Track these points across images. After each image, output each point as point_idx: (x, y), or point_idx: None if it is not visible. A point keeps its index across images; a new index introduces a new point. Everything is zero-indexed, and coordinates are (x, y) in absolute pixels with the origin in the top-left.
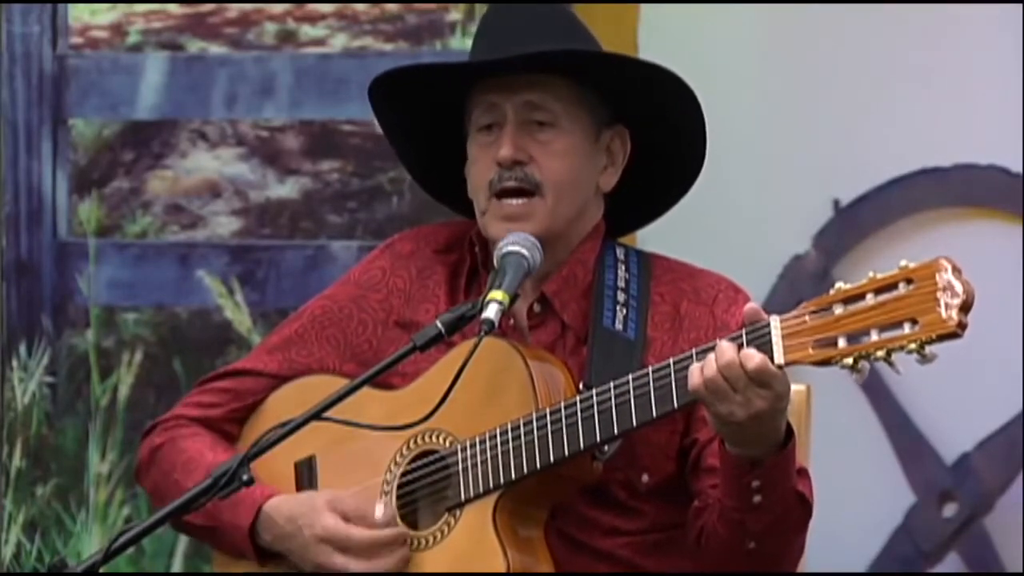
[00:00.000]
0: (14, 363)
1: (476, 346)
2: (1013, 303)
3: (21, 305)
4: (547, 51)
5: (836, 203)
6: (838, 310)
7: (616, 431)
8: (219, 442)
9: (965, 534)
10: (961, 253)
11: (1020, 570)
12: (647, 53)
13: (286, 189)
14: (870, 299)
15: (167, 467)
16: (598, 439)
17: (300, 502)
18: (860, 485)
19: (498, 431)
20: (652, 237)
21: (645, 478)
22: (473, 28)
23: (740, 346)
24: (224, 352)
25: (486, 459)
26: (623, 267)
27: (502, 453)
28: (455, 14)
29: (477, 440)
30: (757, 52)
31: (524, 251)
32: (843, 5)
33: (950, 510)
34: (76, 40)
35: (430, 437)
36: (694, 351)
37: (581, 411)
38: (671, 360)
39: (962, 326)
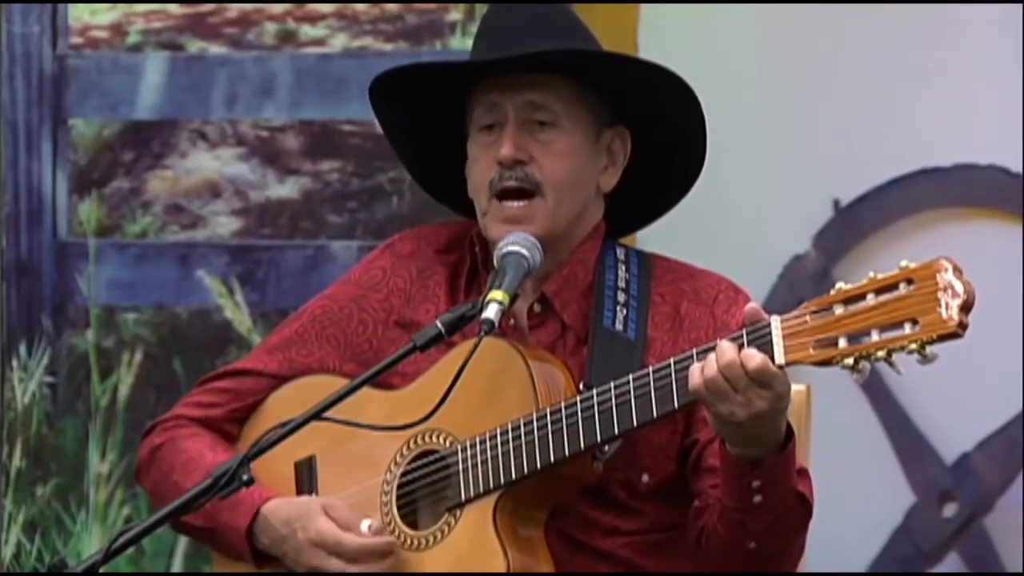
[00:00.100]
0: (14, 363)
1: (476, 346)
2: (1013, 303)
3: (21, 305)
4: (548, 50)
5: (836, 203)
6: (839, 310)
7: (616, 431)
8: (219, 442)
9: (965, 534)
10: (961, 253)
11: (1020, 570)
12: (647, 53)
13: (286, 189)
14: (871, 299)
15: (167, 467)
16: (598, 439)
17: (297, 505)
18: (860, 485)
19: (498, 431)
20: (652, 237)
21: (645, 478)
22: (473, 28)
23: (741, 346)
24: (224, 352)
25: (486, 459)
26: (623, 267)
27: (502, 453)
28: (455, 14)
29: (477, 440)
30: (757, 52)
31: (524, 251)
32: (843, 5)
33: (950, 510)
34: (76, 40)
35: (430, 437)
36: (694, 351)
37: (581, 411)
38: (671, 360)
39: (963, 326)
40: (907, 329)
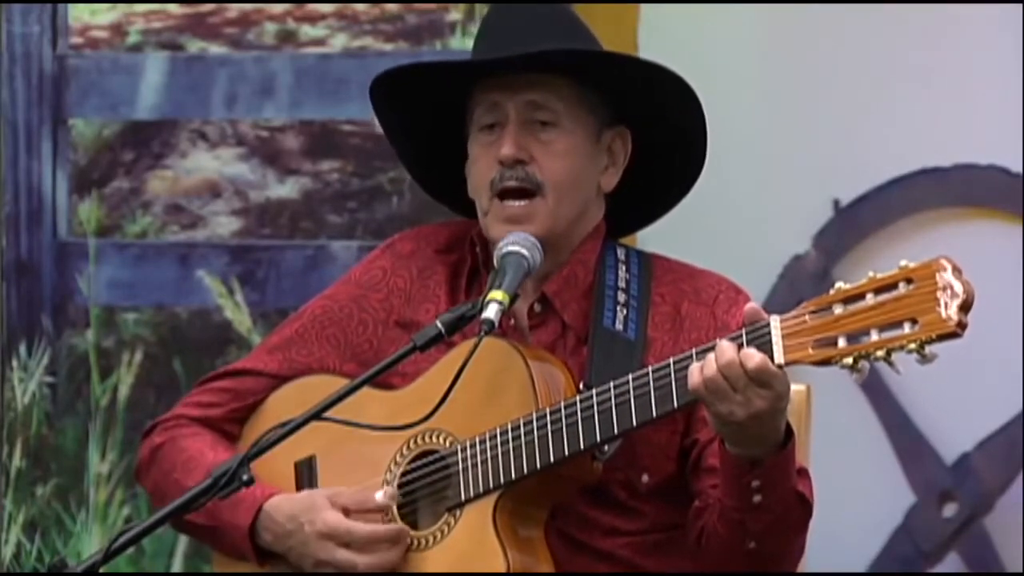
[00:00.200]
0: (14, 363)
1: (476, 346)
2: (1013, 303)
3: (21, 305)
4: (550, 50)
5: (836, 203)
6: (838, 310)
7: (616, 431)
8: (219, 441)
9: (965, 534)
10: (961, 253)
11: (1020, 570)
12: (647, 53)
13: (286, 189)
14: (870, 299)
15: (167, 466)
16: (598, 439)
17: (300, 500)
18: (860, 485)
19: (498, 431)
20: (652, 237)
21: (645, 478)
22: (473, 28)
23: (740, 346)
24: (224, 352)
25: (486, 459)
26: (624, 267)
27: (502, 453)
28: (455, 14)
29: (477, 440)
30: (757, 52)
31: (524, 251)
32: (843, 5)
33: (950, 510)
34: (76, 40)
35: (430, 437)
36: (694, 351)
37: (581, 411)
38: (671, 360)
39: (962, 326)
40: (906, 329)
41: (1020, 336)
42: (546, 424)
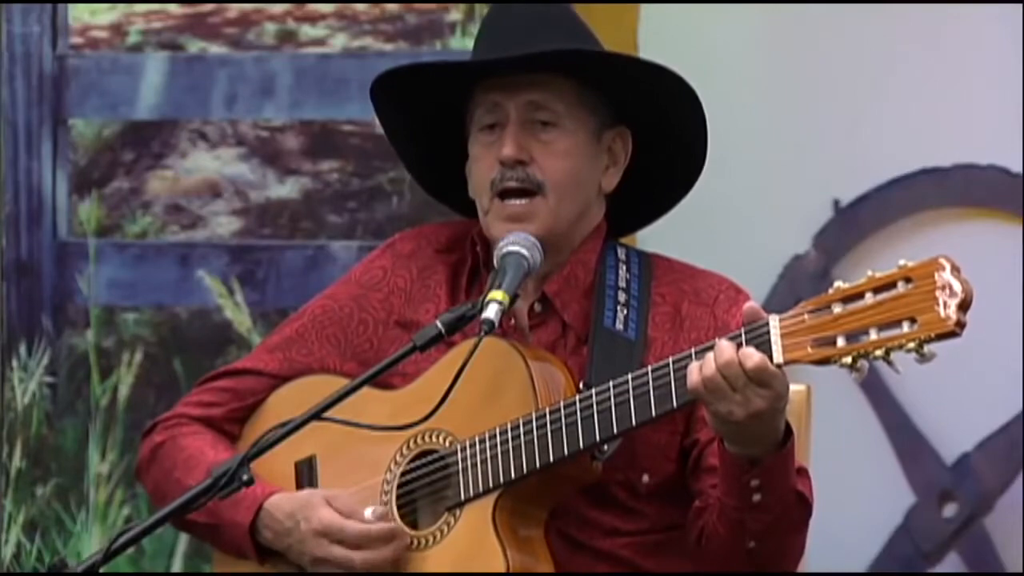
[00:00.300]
0: (14, 363)
1: (476, 346)
2: (1013, 303)
3: (21, 305)
4: (551, 51)
5: (836, 203)
6: (837, 309)
7: (616, 431)
8: (220, 440)
9: (965, 534)
10: (961, 253)
11: (1020, 570)
12: (647, 53)
13: (286, 189)
14: (869, 298)
15: (168, 465)
16: (598, 439)
17: (299, 498)
18: (860, 485)
19: (498, 431)
20: (652, 237)
21: (645, 479)
22: (473, 28)
23: (739, 345)
24: (224, 352)
25: (486, 459)
26: (624, 267)
27: (502, 453)
28: (455, 14)
29: (477, 440)
30: (757, 52)
31: (524, 251)
32: (843, 5)
33: (950, 510)
34: (76, 40)
35: (430, 437)
36: (693, 350)
37: (581, 411)
38: (670, 359)
39: (961, 325)
40: (905, 328)
41: (1020, 336)
42: (546, 424)
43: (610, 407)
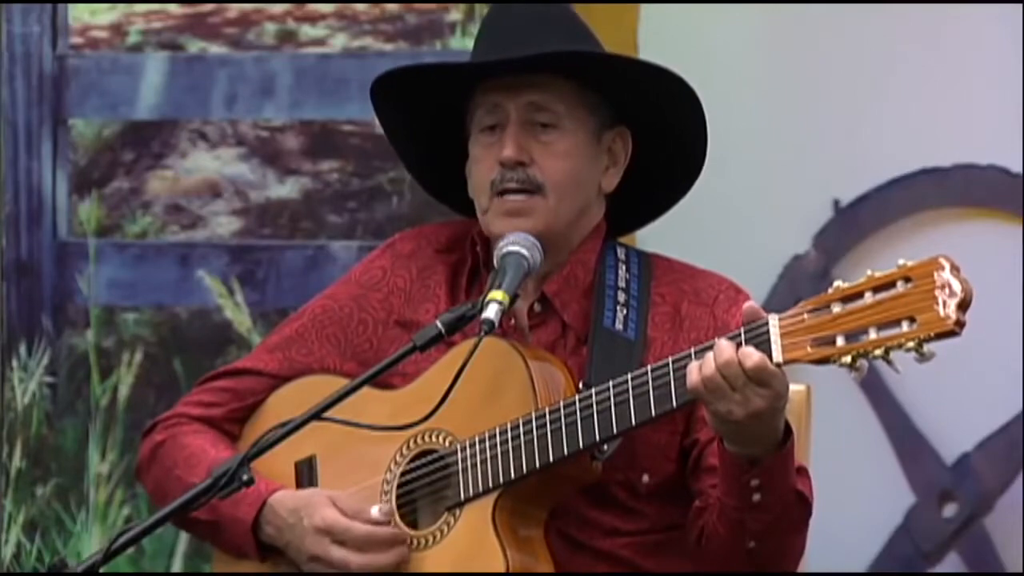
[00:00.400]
0: (14, 363)
1: (476, 346)
2: (1013, 303)
3: (21, 305)
4: (552, 52)
5: (836, 203)
6: (836, 308)
7: (615, 431)
8: (221, 439)
9: (965, 534)
10: (961, 253)
11: (1020, 570)
12: (647, 53)
13: (286, 189)
14: (868, 297)
15: (169, 463)
16: (597, 439)
17: (303, 496)
18: (860, 485)
19: (498, 431)
20: (652, 237)
21: (645, 479)
22: (473, 28)
23: (738, 345)
24: (224, 352)
25: (486, 459)
26: (624, 267)
27: (502, 453)
28: (455, 14)
29: (477, 440)
30: (757, 52)
31: (524, 251)
32: (843, 5)
33: (950, 510)
34: (76, 40)
35: (430, 437)
36: (693, 350)
37: (580, 411)
38: (670, 359)
39: (960, 324)
40: (904, 327)
41: (1020, 336)
42: (545, 424)
43: (610, 407)
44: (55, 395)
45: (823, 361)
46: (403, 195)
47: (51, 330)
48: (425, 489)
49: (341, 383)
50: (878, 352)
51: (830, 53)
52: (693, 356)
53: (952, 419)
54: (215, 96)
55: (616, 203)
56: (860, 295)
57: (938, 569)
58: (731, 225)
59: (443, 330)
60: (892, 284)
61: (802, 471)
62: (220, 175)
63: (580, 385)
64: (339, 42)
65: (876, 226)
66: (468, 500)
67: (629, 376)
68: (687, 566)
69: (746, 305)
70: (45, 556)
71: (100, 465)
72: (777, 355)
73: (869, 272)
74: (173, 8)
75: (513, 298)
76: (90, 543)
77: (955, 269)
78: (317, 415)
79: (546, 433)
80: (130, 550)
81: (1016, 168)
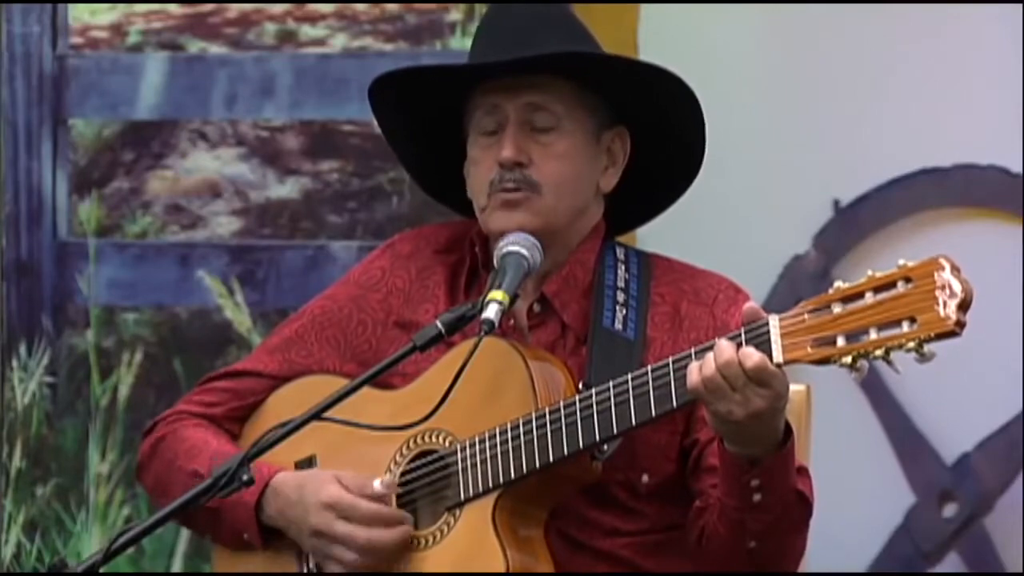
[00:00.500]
0: (14, 363)
1: (476, 346)
2: (1013, 303)
3: (21, 305)
4: (551, 53)
5: (836, 203)
6: (837, 309)
7: (616, 431)
8: (221, 433)
9: (965, 534)
10: (961, 253)
11: (1020, 570)
12: (647, 53)
13: (286, 189)
14: (869, 298)
15: (170, 455)
16: (598, 439)
17: (307, 474)
18: (860, 485)
19: (498, 431)
20: (651, 237)
21: (645, 479)
22: (473, 28)
23: (739, 345)
24: (224, 352)
25: (486, 459)
26: (623, 267)
27: (502, 453)
28: (455, 14)
29: (477, 440)
30: (757, 52)
31: (524, 251)
32: (843, 5)
33: (950, 510)
34: (76, 40)
35: (430, 437)
36: (693, 350)
37: (580, 411)
38: (670, 359)
39: (960, 324)
40: (905, 327)
41: (1020, 336)
42: (546, 424)
43: (610, 407)
44: (55, 395)
45: (823, 361)
46: (403, 195)
47: (51, 330)
48: (425, 489)
49: (341, 383)
50: (878, 352)
51: (830, 53)
52: (693, 356)
53: (952, 419)
54: (215, 96)
55: (615, 203)
56: (860, 295)
57: (938, 569)
58: (731, 225)
59: (443, 330)
60: (892, 284)
61: (802, 471)
62: (220, 175)
63: (580, 385)
64: (339, 42)
65: (876, 226)
66: (468, 500)
67: (629, 376)
68: (687, 566)
69: (746, 305)
70: (45, 556)
71: (100, 465)
72: (777, 355)
73: (869, 272)
74: (173, 8)
75: (513, 298)
76: (90, 543)
77: (955, 269)
78: (317, 415)
79: (546, 433)
80: (130, 550)
81: (1016, 168)
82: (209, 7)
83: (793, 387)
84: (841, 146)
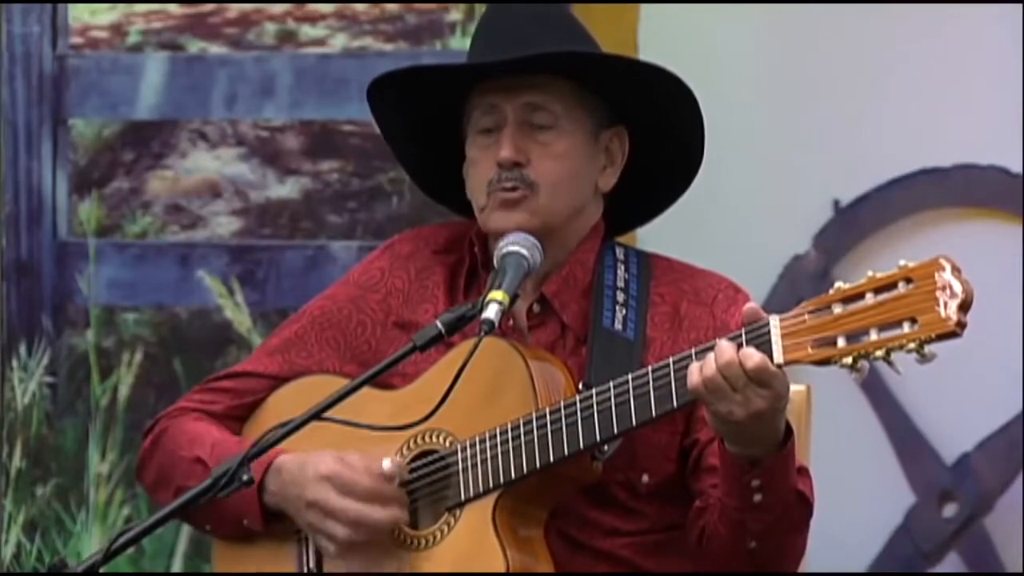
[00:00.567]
0: (14, 363)
1: (476, 346)
2: (1013, 303)
3: (21, 305)
4: (551, 52)
5: (836, 203)
6: (837, 309)
7: (616, 431)
8: (223, 426)
9: (965, 534)
10: (961, 253)
11: (1020, 570)
12: (647, 53)
13: (286, 189)
14: (869, 298)
15: (172, 446)
16: (598, 439)
17: (312, 452)
18: (860, 485)
19: (498, 431)
20: (651, 237)
21: (645, 479)
22: (473, 28)
23: (739, 345)
24: (224, 352)
25: (486, 459)
26: (623, 267)
27: (502, 453)
28: (455, 14)
29: (477, 440)
30: (757, 52)
31: (524, 251)
32: (843, 5)
33: (950, 510)
34: (76, 40)
35: (430, 437)
36: (693, 350)
37: (581, 411)
38: (670, 359)
39: (961, 325)
40: (905, 328)
41: (1020, 336)
42: (546, 424)
43: (610, 407)
44: (55, 395)
45: (824, 362)
46: (403, 195)
47: (51, 330)
48: (425, 489)
49: (341, 383)
50: (879, 353)
51: (830, 53)
52: (694, 356)
53: (952, 419)
54: (215, 96)
55: (614, 203)
56: (861, 296)
57: (938, 569)
58: (731, 225)
59: (443, 330)
60: (893, 285)
61: (803, 471)
62: (220, 175)
63: (580, 385)
64: (339, 42)
65: (876, 226)
66: (468, 500)
67: (629, 376)
68: (687, 566)
69: (747, 306)
70: (45, 556)
71: (100, 465)
72: (778, 356)
73: (870, 273)
74: (173, 8)
75: (513, 298)
76: (90, 543)
77: (956, 270)
78: (317, 415)
79: (546, 433)
80: (130, 550)
81: (1016, 168)
82: (209, 7)
83: (793, 387)
84: (841, 146)
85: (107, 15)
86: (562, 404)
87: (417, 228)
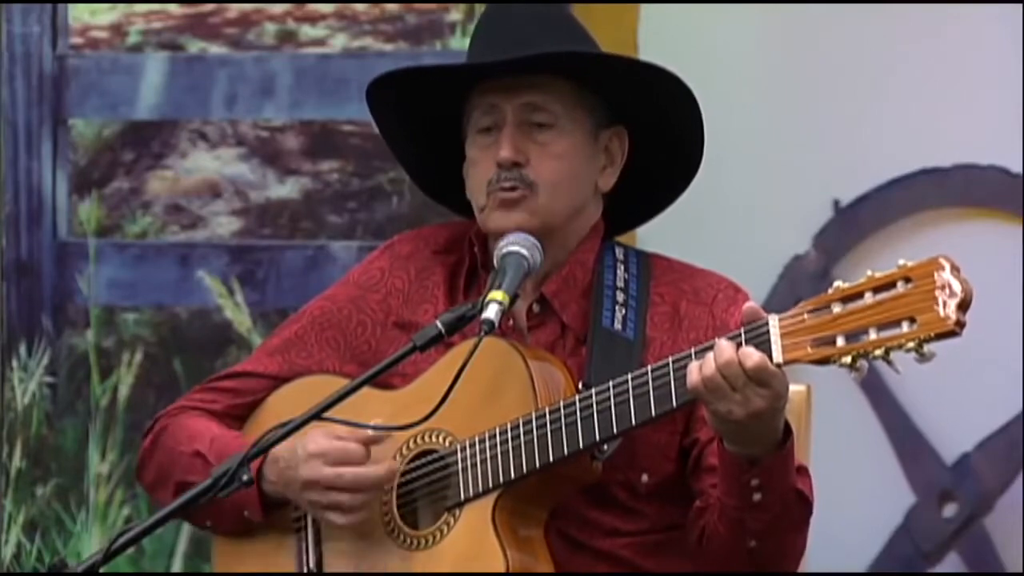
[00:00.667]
0: (14, 363)
1: (476, 346)
2: (1013, 303)
3: (21, 305)
4: (551, 52)
5: (836, 203)
6: (836, 309)
7: (616, 430)
8: (223, 423)
9: (965, 534)
10: (961, 253)
11: (1020, 570)
12: (647, 53)
13: (286, 189)
14: (868, 298)
15: (171, 443)
16: (598, 439)
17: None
18: (860, 485)
19: (498, 431)
20: (651, 237)
21: (645, 479)
22: (473, 28)
23: (739, 345)
24: (224, 352)
25: (486, 459)
26: (622, 267)
27: (502, 453)
28: (455, 14)
29: (477, 440)
30: (757, 52)
31: (524, 251)
32: (843, 5)
33: (950, 510)
34: (76, 40)
35: (430, 437)
36: (693, 350)
37: (580, 411)
38: (670, 359)
39: (960, 324)
40: (905, 327)
41: (1020, 336)
42: (546, 424)
43: (610, 407)
44: (55, 395)
45: (823, 361)
46: (403, 195)
47: (51, 330)
48: (425, 489)
49: (341, 383)
50: (878, 352)
51: (830, 53)
52: (693, 356)
53: (952, 419)
54: (215, 96)
55: (614, 203)
56: (860, 295)
57: (938, 569)
58: (731, 225)
59: (443, 330)
60: (892, 284)
61: (802, 471)
62: (220, 175)
63: (580, 385)
64: (339, 42)
65: (876, 226)
66: (468, 500)
67: (629, 376)
68: (687, 566)
69: (746, 305)
70: (45, 556)
71: (100, 465)
72: (777, 355)
73: (869, 272)
74: (173, 8)
75: (513, 298)
76: (90, 543)
77: (955, 269)
78: (317, 415)
79: (546, 433)
80: (130, 550)
81: (1016, 168)
82: (209, 7)
83: (793, 387)
84: (841, 146)
85: (107, 15)
86: (562, 404)
87: (417, 228)
